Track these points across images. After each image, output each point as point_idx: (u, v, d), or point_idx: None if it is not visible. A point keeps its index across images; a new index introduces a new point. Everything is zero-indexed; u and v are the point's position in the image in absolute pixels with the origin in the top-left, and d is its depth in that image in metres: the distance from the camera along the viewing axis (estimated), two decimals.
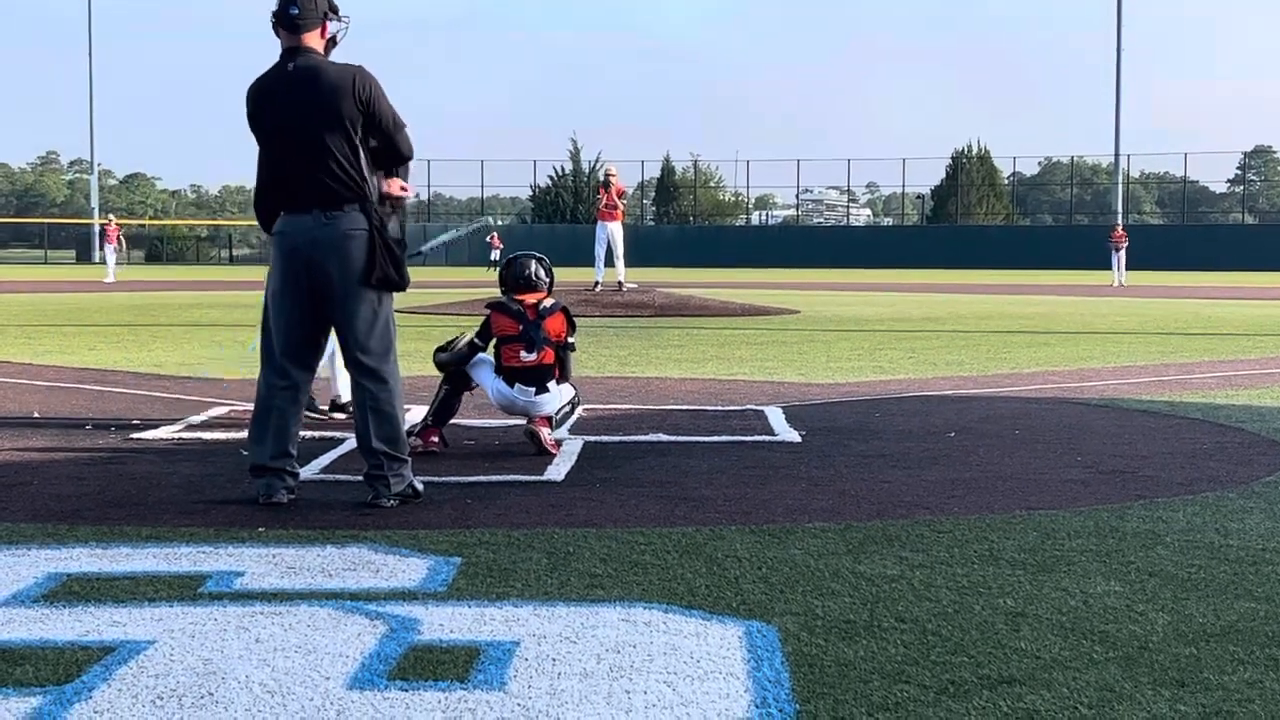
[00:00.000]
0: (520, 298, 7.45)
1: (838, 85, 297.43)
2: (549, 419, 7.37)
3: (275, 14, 5.94)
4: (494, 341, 7.43)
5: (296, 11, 5.88)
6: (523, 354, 7.31)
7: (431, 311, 21.39)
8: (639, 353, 14.28)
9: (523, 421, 7.43)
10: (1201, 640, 3.89)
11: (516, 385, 7.31)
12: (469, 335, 7.55)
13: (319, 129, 5.79)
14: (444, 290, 29.87)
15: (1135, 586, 4.50)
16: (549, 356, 7.35)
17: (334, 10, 6.02)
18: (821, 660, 3.66)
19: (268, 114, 5.90)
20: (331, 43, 6.05)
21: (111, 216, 53.59)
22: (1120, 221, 50.78)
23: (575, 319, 7.63)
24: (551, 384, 7.36)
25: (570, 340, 7.47)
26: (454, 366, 7.47)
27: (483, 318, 7.57)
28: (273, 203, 5.97)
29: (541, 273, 7.57)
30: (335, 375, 8.62)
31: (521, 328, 7.34)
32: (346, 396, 8.30)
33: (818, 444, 7.65)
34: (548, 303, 7.46)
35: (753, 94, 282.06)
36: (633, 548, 4.99)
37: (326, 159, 5.79)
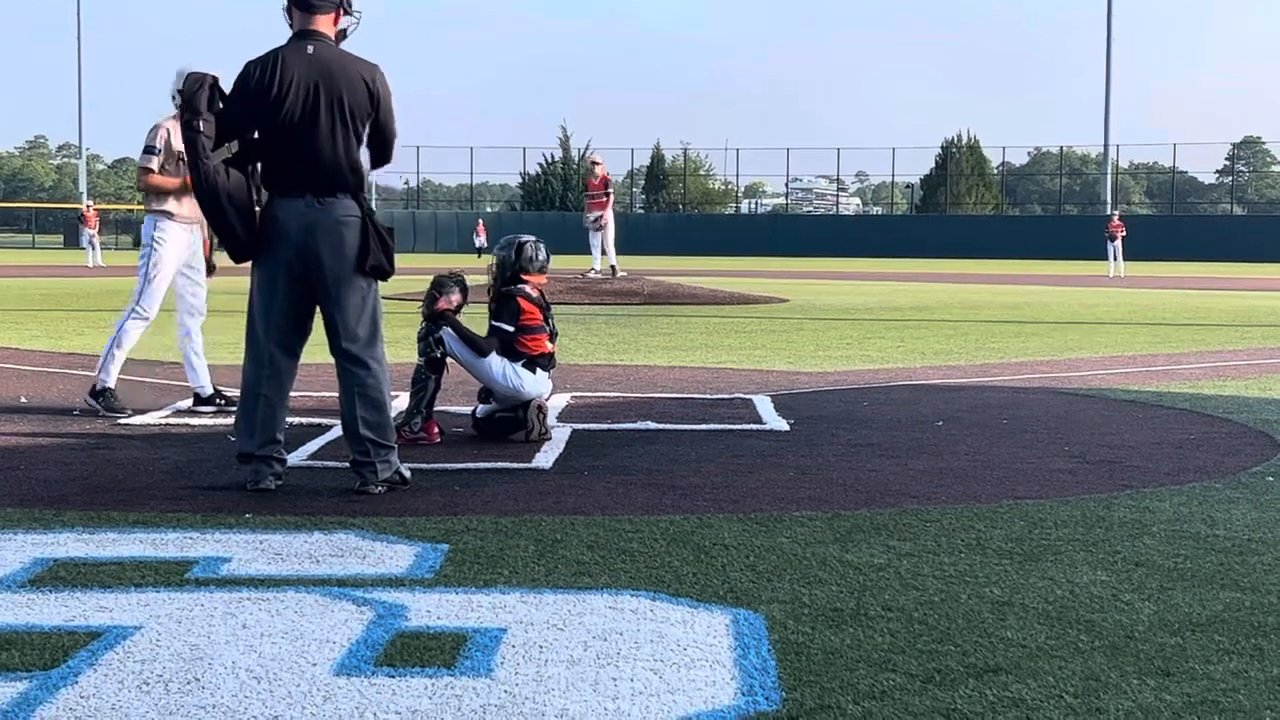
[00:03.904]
0: (538, 281, 7.49)
1: (827, 74, 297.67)
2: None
3: None
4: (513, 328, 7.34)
5: None
6: (548, 342, 7.43)
7: (418, 299, 21.32)
8: (627, 341, 14.27)
9: (491, 405, 7.44)
10: (1187, 630, 3.90)
11: (541, 372, 7.37)
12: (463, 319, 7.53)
13: (333, 115, 5.76)
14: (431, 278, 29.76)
15: (1121, 576, 4.51)
16: None
17: (348, 4, 5.99)
18: (808, 648, 3.67)
19: (286, 92, 5.74)
20: (341, 35, 6.01)
21: (90, 203, 53.41)
22: (1116, 211, 50.67)
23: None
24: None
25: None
26: (486, 348, 7.30)
27: (494, 303, 7.47)
28: (266, 181, 5.89)
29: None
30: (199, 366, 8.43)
31: (544, 316, 7.44)
32: (210, 390, 8.33)
33: (806, 433, 7.66)
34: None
35: (742, 82, 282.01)
36: (620, 535, 4.99)
37: (334, 145, 5.77)
